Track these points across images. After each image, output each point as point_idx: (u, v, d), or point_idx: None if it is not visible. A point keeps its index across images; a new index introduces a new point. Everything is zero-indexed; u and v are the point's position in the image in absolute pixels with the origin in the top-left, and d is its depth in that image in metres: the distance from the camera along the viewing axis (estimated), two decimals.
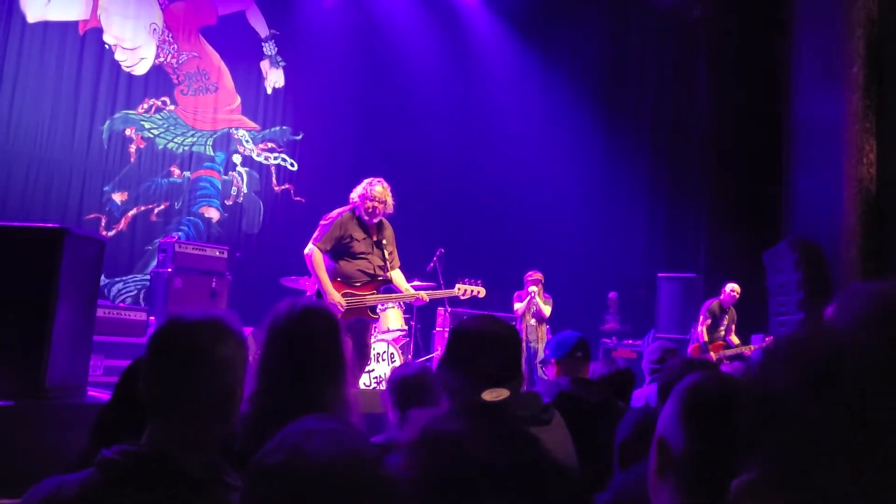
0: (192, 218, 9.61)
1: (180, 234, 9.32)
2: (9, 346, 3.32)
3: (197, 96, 9.76)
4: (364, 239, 4.93)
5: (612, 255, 10.35)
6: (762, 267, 8.35)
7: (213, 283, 7.08)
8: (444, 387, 1.97)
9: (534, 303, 7.53)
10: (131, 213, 9.13)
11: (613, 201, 10.70)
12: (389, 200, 4.94)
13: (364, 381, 5.86)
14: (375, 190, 4.88)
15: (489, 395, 1.83)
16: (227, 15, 10.04)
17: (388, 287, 5.12)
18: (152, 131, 9.37)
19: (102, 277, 5.48)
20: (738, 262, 8.54)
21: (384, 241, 5.01)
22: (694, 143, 9.99)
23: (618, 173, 10.58)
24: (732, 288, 7.82)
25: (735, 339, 7.86)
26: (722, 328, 7.87)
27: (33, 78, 8.45)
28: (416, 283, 6.34)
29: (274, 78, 10.45)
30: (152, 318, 6.52)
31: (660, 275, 9.39)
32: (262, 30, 10.37)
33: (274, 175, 10.37)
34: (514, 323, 7.54)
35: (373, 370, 6.02)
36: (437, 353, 7.37)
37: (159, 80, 9.45)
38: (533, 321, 7.59)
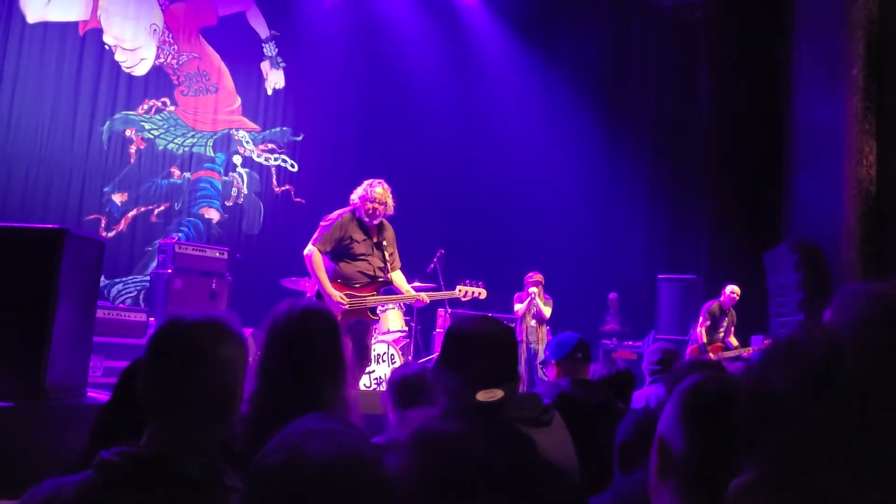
0: (192, 219, 9.61)
1: (180, 234, 9.31)
2: (9, 346, 3.31)
3: (197, 97, 9.77)
4: (364, 240, 4.92)
5: (613, 256, 10.36)
6: (762, 268, 8.35)
7: (213, 284, 7.08)
8: (441, 387, 1.96)
9: (534, 304, 7.53)
10: (131, 213, 9.13)
11: (613, 202, 10.70)
12: (390, 202, 4.93)
13: (364, 382, 5.86)
14: (376, 191, 4.87)
15: (483, 396, 1.82)
16: (227, 16, 10.04)
17: (388, 288, 5.12)
18: (152, 132, 9.38)
19: (102, 278, 5.48)
20: (739, 264, 8.53)
21: (384, 243, 5.00)
22: (694, 144, 9.99)
23: (618, 174, 10.58)
24: (732, 289, 7.81)
25: (734, 341, 7.85)
26: (721, 330, 7.87)
27: (33, 78, 8.46)
28: (417, 284, 6.33)
29: (274, 79, 10.46)
30: (152, 319, 6.52)
31: (660, 276, 9.39)
32: (263, 31, 10.37)
33: (274, 176, 10.37)
34: (514, 324, 7.55)
35: (373, 371, 6.02)
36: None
37: (159, 81, 9.45)
38: (533, 322, 7.59)
